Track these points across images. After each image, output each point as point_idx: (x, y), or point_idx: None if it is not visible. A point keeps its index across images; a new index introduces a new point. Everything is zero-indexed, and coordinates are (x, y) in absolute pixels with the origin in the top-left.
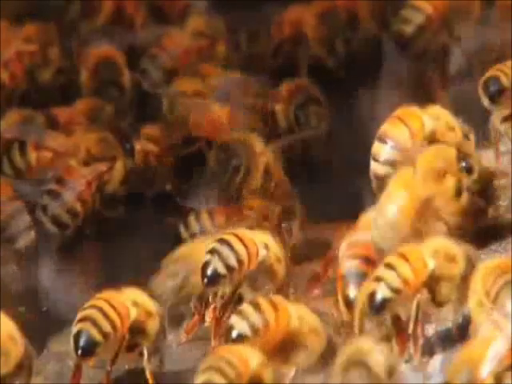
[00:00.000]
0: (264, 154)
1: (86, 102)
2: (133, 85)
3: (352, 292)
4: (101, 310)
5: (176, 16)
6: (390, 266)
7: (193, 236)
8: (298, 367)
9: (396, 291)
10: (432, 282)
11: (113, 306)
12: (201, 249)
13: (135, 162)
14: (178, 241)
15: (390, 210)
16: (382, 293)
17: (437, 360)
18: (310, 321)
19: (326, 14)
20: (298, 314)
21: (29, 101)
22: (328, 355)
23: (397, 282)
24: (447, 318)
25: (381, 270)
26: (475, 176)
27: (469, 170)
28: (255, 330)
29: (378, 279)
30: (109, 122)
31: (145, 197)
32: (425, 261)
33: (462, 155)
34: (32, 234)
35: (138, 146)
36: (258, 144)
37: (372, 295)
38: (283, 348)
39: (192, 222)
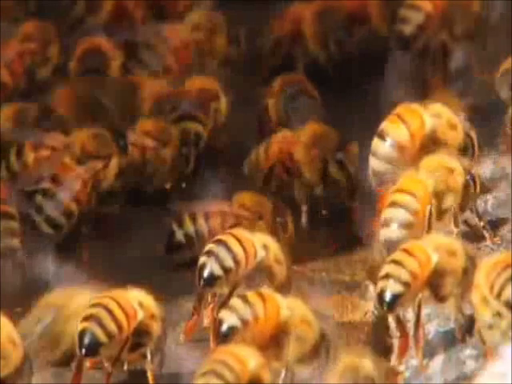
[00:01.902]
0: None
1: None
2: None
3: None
4: (108, 309)
5: (177, 15)
6: (396, 262)
7: (187, 236)
8: (290, 361)
9: (406, 285)
10: (436, 277)
11: (121, 306)
12: (74, 299)
13: (128, 160)
14: (172, 240)
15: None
16: (391, 289)
17: (437, 361)
18: (301, 311)
19: (323, 12)
20: (288, 305)
21: (28, 99)
22: (321, 347)
23: (406, 276)
24: (448, 318)
25: (387, 268)
26: (478, 191)
27: (474, 183)
28: (245, 323)
29: (386, 276)
30: (106, 119)
31: (143, 195)
32: (428, 255)
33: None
34: (15, 241)
35: (133, 141)
36: None
37: (382, 293)
38: (275, 339)
39: (187, 223)
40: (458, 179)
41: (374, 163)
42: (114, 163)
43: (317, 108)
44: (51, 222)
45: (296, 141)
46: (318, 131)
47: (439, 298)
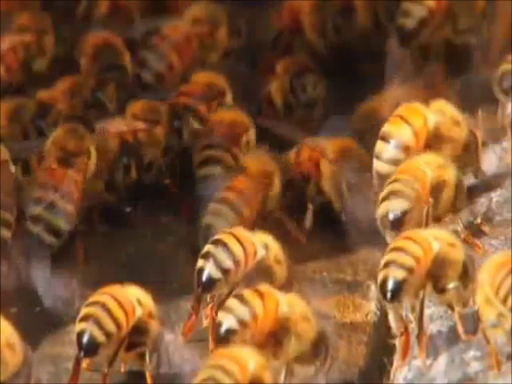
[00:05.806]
0: None
1: (67, 81)
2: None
3: None
4: (106, 307)
5: (179, 10)
6: (398, 249)
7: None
8: (289, 360)
9: (410, 270)
10: (437, 266)
11: (119, 304)
12: None
13: (123, 146)
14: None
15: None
16: (394, 275)
17: (441, 362)
18: (301, 309)
19: (321, 2)
20: (286, 301)
21: (25, 91)
22: (320, 346)
23: (409, 261)
24: (451, 319)
25: (389, 256)
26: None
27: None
28: (243, 323)
29: (387, 264)
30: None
31: (141, 190)
32: (430, 242)
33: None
34: (6, 232)
35: (124, 127)
36: None
37: (384, 282)
38: (274, 336)
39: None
40: (451, 176)
41: (378, 165)
42: (92, 154)
43: (322, 85)
44: (54, 231)
45: (324, 152)
46: (346, 148)
47: (439, 289)
